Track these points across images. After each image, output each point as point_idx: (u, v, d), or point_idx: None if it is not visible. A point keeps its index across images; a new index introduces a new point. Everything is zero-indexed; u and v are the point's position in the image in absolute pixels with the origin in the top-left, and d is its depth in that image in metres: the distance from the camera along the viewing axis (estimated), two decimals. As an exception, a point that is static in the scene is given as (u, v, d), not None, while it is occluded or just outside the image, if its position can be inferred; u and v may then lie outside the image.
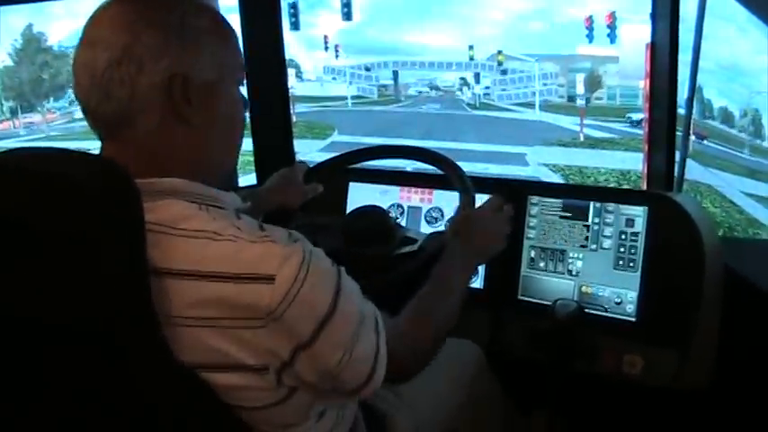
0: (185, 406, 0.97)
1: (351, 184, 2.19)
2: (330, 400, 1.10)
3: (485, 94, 3.95)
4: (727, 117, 3.31)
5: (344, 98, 3.10)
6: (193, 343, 0.94)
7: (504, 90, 4.07)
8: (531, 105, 4.17)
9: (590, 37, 3.21)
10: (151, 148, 1.02)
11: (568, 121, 4.21)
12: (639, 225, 1.83)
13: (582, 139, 4.38)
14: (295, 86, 2.64)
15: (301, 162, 1.84)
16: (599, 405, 1.98)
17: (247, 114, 1.17)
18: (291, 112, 2.65)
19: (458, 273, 1.43)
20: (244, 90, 1.14)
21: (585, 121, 4.23)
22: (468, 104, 4.19)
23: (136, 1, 1.01)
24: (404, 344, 1.18)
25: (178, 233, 0.95)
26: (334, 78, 3.03)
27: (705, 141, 3.56)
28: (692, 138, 3.45)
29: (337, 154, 1.89)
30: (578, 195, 1.94)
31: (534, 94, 4.11)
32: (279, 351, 0.96)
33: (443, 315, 1.34)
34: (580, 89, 4.01)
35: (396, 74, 3.37)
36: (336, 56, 2.68)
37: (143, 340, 0.91)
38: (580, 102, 4.06)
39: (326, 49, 2.72)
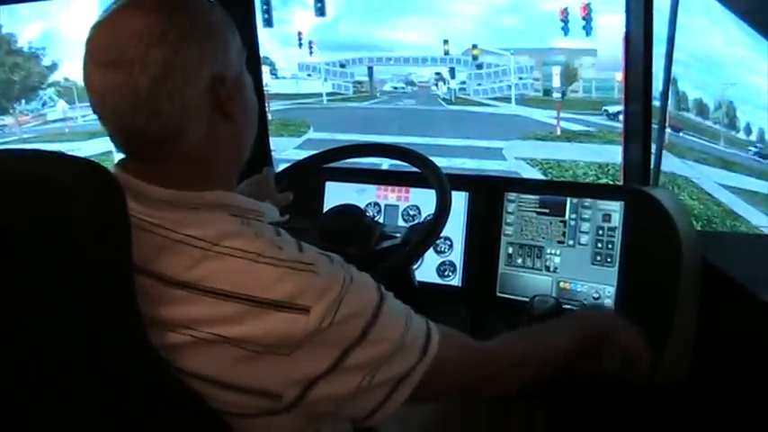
0: (171, 410, 0.97)
1: (327, 183, 2.18)
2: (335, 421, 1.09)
3: (460, 89, 3.95)
4: (701, 109, 3.33)
5: (320, 95, 3.09)
6: (212, 358, 0.95)
7: (479, 84, 4.06)
8: (506, 99, 4.18)
9: (565, 30, 3.21)
10: (201, 157, 1.02)
11: (544, 115, 4.22)
12: (616, 220, 1.83)
13: (558, 132, 4.39)
14: (269, 84, 2.61)
15: (270, 167, 1.82)
16: (579, 400, 1.98)
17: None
18: (267, 110, 2.63)
19: (566, 334, 1.38)
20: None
21: (562, 115, 4.25)
22: (444, 99, 4.18)
23: (152, 11, 0.96)
24: (485, 363, 1.20)
25: (220, 250, 0.96)
26: (309, 75, 3.01)
27: (681, 134, 3.58)
28: (668, 130, 3.47)
29: (307, 155, 1.87)
30: (555, 191, 1.94)
31: (510, 87, 4.12)
32: (298, 379, 0.96)
33: (541, 355, 1.30)
34: (556, 82, 4.02)
35: (370, 70, 3.36)
36: (311, 52, 2.66)
37: (128, 342, 0.91)
38: (556, 95, 4.07)
39: (300, 45, 2.70)
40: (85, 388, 0.91)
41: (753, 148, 3.13)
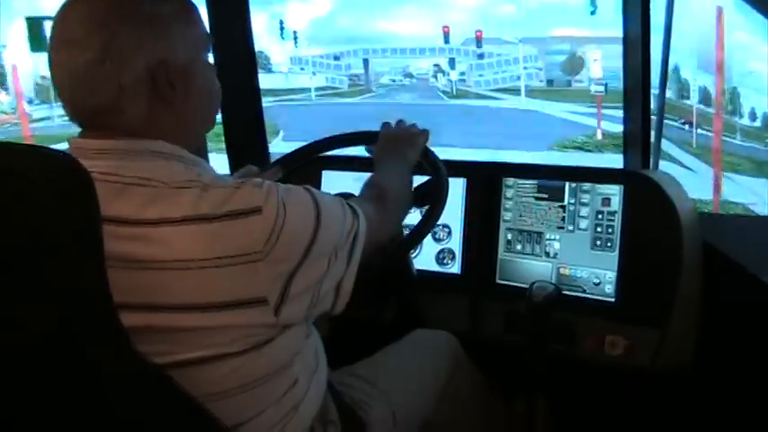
0: (147, 399, 1.02)
1: (324, 172, 2.25)
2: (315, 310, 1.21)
3: (460, 80, 3.95)
4: (705, 96, 3.31)
5: (309, 90, 3.08)
6: (197, 285, 1.04)
7: (481, 75, 4.07)
8: (511, 91, 4.12)
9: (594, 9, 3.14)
10: (140, 131, 1.13)
11: (560, 109, 4.11)
12: (616, 204, 1.89)
13: (600, 136, 4.09)
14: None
15: (250, 167, 1.90)
16: (583, 388, 2.04)
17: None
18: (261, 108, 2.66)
19: (395, 159, 1.67)
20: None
21: (579, 108, 4.06)
22: (444, 92, 4.17)
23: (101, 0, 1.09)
24: (377, 208, 1.42)
25: (173, 186, 1.07)
26: (302, 69, 3.03)
27: (699, 130, 3.45)
28: (686, 127, 3.37)
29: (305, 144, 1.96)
30: (553, 176, 2.00)
31: (513, 78, 4.08)
32: (277, 276, 1.09)
33: (396, 185, 1.58)
34: (596, 71, 3.72)
35: (366, 62, 3.37)
36: (296, 44, 2.67)
37: (102, 335, 0.95)
38: (597, 88, 3.77)
39: (282, 35, 2.72)
40: (63, 382, 0.94)
41: (772, 141, 3.09)
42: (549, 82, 3.96)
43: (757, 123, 3.00)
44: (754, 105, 3.03)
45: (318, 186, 2.23)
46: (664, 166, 2.18)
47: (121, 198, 1.05)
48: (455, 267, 2.09)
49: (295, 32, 2.84)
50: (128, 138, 1.11)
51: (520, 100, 3.96)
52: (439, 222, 1.80)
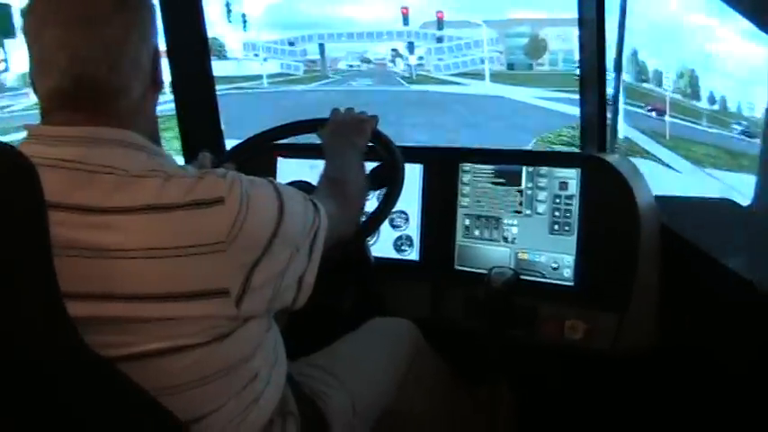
0: (96, 392, 1.02)
1: (279, 159, 2.25)
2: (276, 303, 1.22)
3: (419, 65, 3.96)
4: (662, 79, 3.33)
5: (260, 77, 3.03)
6: (157, 274, 1.05)
7: (440, 60, 4.08)
8: (473, 75, 4.13)
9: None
10: (134, 113, 1.16)
11: (527, 94, 4.11)
12: (573, 188, 1.91)
13: None
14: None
15: (204, 153, 1.89)
16: (545, 372, 2.06)
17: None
18: (216, 96, 2.65)
19: (346, 147, 1.71)
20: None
21: (546, 93, 4.07)
22: (404, 77, 4.17)
23: None
24: (337, 203, 1.45)
25: (135, 174, 1.07)
26: (256, 55, 3.00)
27: (667, 118, 3.45)
28: (653, 114, 3.39)
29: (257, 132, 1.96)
30: (510, 160, 2.01)
31: (474, 62, 4.09)
32: (239, 266, 1.11)
33: (353, 178, 1.62)
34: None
35: (322, 47, 3.34)
36: (245, 27, 2.64)
37: (50, 327, 0.94)
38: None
39: (229, 19, 2.68)
40: (8, 379, 0.92)
41: (737, 127, 3.07)
42: (510, 66, 3.98)
43: (716, 107, 3.02)
44: (711, 89, 3.06)
45: (274, 174, 2.23)
46: (640, 164, 2.21)
47: (87, 186, 1.05)
48: (413, 254, 2.10)
49: (244, 15, 2.81)
50: (97, 125, 1.11)
51: (484, 85, 3.92)
52: (396, 209, 1.81)
